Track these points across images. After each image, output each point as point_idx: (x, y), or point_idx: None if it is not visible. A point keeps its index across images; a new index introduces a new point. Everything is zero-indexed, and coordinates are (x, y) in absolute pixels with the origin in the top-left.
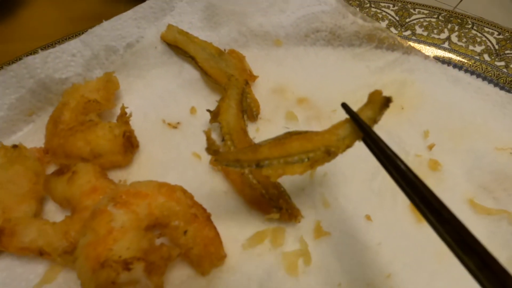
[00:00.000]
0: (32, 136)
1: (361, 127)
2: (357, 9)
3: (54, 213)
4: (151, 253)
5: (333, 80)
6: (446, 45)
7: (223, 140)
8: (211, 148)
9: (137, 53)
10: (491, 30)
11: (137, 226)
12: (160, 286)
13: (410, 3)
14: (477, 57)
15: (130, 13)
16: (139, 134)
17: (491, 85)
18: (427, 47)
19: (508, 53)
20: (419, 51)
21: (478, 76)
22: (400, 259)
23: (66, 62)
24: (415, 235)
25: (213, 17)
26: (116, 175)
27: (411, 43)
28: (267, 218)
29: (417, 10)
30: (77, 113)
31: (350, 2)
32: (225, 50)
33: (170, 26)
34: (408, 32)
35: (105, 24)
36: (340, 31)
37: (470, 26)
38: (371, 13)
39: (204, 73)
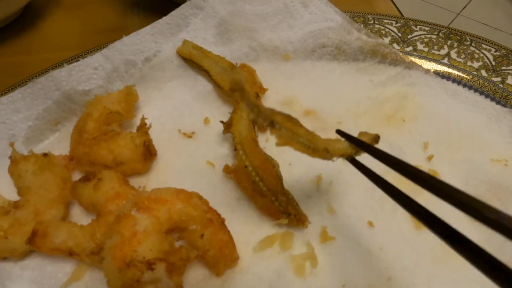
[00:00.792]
0: (58, 144)
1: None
2: (362, 25)
3: (79, 216)
4: (171, 254)
5: (338, 92)
6: (445, 60)
7: (235, 149)
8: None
9: (154, 66)
10: (488, 47)
11: (158, 230)
12: (180, 285)
13: (412, 20)
14: (475, 73)
15: (148, 28)
16: (157, 143)
17: (488, 100)
18: (428, 62)
19: (504, 69)
20: (420, 66)
21: (476, 90)
22: (400, 263)
23: (89, 75)
24: (414, 240)
25: (225, 33)
26: (135, 182)
27: (413, 59)
28: (276, 223)
29: (418, 27)
30: (100, 123)
31: (355, 19)
32: (236, 64)
33: (185, 42)
34: (409, 48)
35: (125, 39)
36: (345, 46)
37: (468, 43)
38: (375, 29)
39: (217, 85)
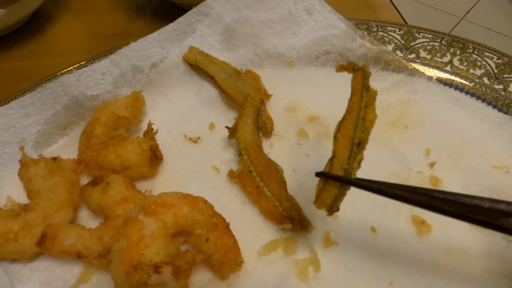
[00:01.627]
0: (66, 148)
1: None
2: (365, 32)
3: (86, 219)
4: (178, 258)
5: (342, 99)
6: (448, 68)
7: (240, 154)
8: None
9: (161, 72)
10: (490, 55)
11: (165, 234)
12: None
13: (415, 27)
14: (477, 80)
15: (155, 35)
16: (163, 148)
17: (490, 107)
18: (430, 70)
19: (506, 77)
20: (423, 73)
21: (478, 98)
22: (401, 268)
23: (97, 80)
24: (416, 246)
25: (230, 39)
26: (142, 186)
27: (416, 66)
28: (280, 228)
29: (421, 34)
30: (108, 128)
31: (359, 26)
32: (241, 70)
33: (191, 48)
34: (412, 55)
35: (132, 45)
36: (349, 53)
37: (471, 50)
38: (378, 36)
39: (223, 91)
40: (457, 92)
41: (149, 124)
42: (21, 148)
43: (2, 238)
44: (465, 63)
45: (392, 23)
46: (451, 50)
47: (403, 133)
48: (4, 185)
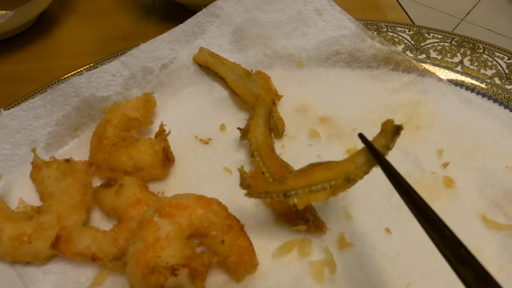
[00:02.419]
0: (77, 150)
1: (375, 154)
2: (375, 33)
3: (99, 221)
4: (193, 260)
5: (353, 99)
6: (459, 68)
7: (252, 156)
8: (243, 183)
9: (171, 73)
10: (501, 55)
11: (180, 236)
12: None
13: (425, 28)
14: (488, 80)
15: (165, 36)
16: (174, 149)
17: (502, 107)
18: (441, 70)
19: None
20: (433, 73)
21: (489, 98)
22: (418, 269)
23: (107, 81)
24: (432, 246)
25: (240, 40)
26: (154, 187)
27: (426, 66)
28: (294, 229)
29: (431, 34)
30: (119, 129)
31: (368, 26)
32: (252, 71)
33: (201, 49)
34: (423, 56)
35: (142, 46)
36: (359, 54)
37: (481, 50)
38: (388, 37)
39: (233, 92)
40: (468, 93)
41: (161, 125)
42: (33, 150)
43: (15, 240)
44: (476, 63)
45: (401, 24)
46: (462, 50)
47: (415, 134)
48: (15, 187)
